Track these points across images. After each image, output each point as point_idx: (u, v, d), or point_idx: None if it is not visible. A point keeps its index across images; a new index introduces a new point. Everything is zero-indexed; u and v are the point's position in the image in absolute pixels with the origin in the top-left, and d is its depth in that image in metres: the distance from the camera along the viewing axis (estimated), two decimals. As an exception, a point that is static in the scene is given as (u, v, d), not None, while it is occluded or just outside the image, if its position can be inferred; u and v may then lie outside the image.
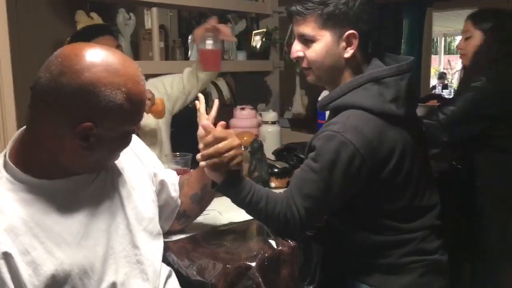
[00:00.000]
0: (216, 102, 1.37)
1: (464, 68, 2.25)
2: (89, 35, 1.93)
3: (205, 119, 1.29)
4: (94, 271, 1.00)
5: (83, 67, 0.91)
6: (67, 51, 0.95)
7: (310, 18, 1.27)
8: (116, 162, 1.11)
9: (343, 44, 1.28)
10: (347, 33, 1.26)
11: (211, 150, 1.20)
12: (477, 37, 2.08)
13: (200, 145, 1.24)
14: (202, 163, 1.23)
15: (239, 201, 1.27)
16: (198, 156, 1.24)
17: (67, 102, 0.91)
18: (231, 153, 1.21)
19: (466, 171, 2.13)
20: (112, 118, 0.95)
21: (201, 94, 1.38)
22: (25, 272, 0.90)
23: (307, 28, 1.28)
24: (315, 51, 1.29)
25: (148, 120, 2.07)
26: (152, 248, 1.14)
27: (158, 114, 1.97)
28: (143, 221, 1.13)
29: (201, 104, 1.33)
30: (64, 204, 0.99)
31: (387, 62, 1.34)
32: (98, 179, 1.07)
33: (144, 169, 1.20)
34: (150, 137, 2.11)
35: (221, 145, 1.21)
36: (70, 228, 0.98)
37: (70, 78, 0.90)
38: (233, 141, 1.22)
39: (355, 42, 1.27)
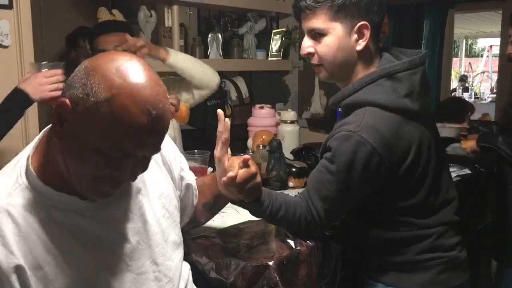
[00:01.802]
0: (226, 121, 1.18)
1: None
2: (90, 35, 1.94)
3: (225, 152, 1.17)
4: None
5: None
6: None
7: (320, 11, 1.24)
8: None
9: (355, 36, 1.25)
10: (358, 24, 1.24)
11: (233, 188, 1.16)
12: None
13: (221, 178, 1.16)
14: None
15: (258, 215, 1.27)
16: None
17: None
18: (252, 193, 1.18)
19: (493, 174, 2.13)
20: (84, 116, 0.82)
21: (220, 113, 1.18)
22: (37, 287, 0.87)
23: (318, 22, 1.25)
24: (327, 45, 1.27)
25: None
26: (172, 262, 1.08)
27: (182, 120, 1.99)
28: (165, 232, 1.08)
29: (224, 132, 1.16)
30: (80, 222, 0.92)
31: (397, 56, 1.31)
32: (118, 196, 0.99)
33: (169, 174, 1.14)
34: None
35: (242, 185, 1.14)
36: (85, 246, 0.92)
37: None
38: (255, 181, 1.16)
39: (367, 34, 1.25)
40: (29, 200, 0.89)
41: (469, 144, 2.19)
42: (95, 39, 1.91)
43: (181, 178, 1.19)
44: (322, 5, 1.23)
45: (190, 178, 1.24)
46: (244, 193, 1.17)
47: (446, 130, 2.07)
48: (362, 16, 1.23)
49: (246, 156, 1.15)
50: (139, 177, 1.00)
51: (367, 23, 1.24)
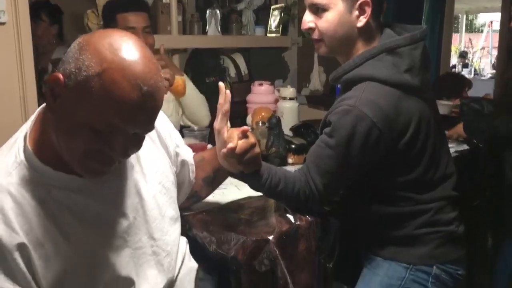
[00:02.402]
0: (226, 92, 1.21)
1: None
2: (121, 7, 1.92)
3: (225, 123, 1.19)
4: (107, 263, 0.96)
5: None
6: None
7: None
8: None
9: (356, 12, 1.25)
10: (360, 0, 1.24)
11: (232, 159, 1.17)
12: None
13: (221, 150, 1.18)
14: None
15: (257, 188, 1.28)
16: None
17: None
18: (250, 164, 1.19)
19: (489, 151, 2.13)
20: (75, 90, 0.82)
21: (222, 85, 1.21)
22: (38, 265, 0.88)
23: None
24: (328, 20, 1.27)
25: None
26: (169, 236, 1.10)
27: (179, 93, 1.98)
28: (162, 208, 1.09)
29: (225, 103, 1.19)
30: (78, 200, 0.94)
31: (398, 32, 1.31)
32: (114, 173, 0.99)
33: (164, 150, 1.16)
34: (167, 107, 2.13)
35: (242, 155, 1.16)
36: (83, 223, 0.94)
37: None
38: (254, 151, 1.18)
39: (368, 10, 1.25)
40: (29, 179, 0.90)
41: (456, 131, 2.18)
42: (117, 15, 1.90)
43: (177, 154, 1.20)
44: None
45: (186, 154, 1.25)
46: (244, 163, 1.18)
47: (438, 107, 2.08)
48: None
49: (245, 127, 1.16)
50: (134, 154, 1.01)
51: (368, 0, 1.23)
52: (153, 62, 0.86)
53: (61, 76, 0.83)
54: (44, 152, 0.91)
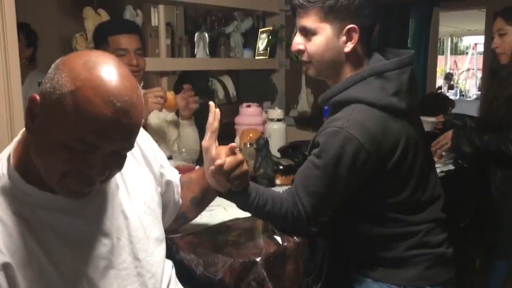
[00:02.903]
0: (216, 111, 1.23)
1: (498, 65, 2.22)
2: (113, 30, 1.94)
3: (213, 141, 1.21)
4: (91, 284, 0.95)
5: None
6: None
7: (311, 11, 1.27)
8: None
9: (344, 38, 1.28)
10: (347, 27, 1.26)
11: (220, 176, 1.18)
12: None
13: (209, 168, 1.19)
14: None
15: (245, 207, 1.28)
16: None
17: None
18: (239, 181, 1.19)
19: (474, 171, 2.15)
20: (51, 109, 0.83)
21: (212, 104, 1.24)
22: (22, 286, 0.87)
23: (308, 21, 1.28)
24: (315, 44, 1.30)
25: (156, 116, 2.10)
26: (154, 257, 1.09)
27: (170, 108, 2.00)
28: (147, 229, 1.08)
29: (214, 121, 1.21)
30: (63, 220, 0.93)
31: (388, 56, 1.34)
32: (99, 193, 0.99)
33: (149, 170, 1.16)
34: (158, 133, 2.13)
35: (230, 172, 1.17)
36: (67, 243, 0.93)
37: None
38: (242, 168, 1.18)
39: (356, 37, 1.27)
40: (13, 199, 0.89)
41: (446, 137, 2.16)
42: (109, 37, 1.92)
43: (161, 174, 1.20)
44: (314, 5, 1.26)
45: (171, 174, 1.25)
46: (232, 180, 1.18)
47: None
48: (352, 19, 1.26)
49: (233, 144, 1.18)
50: (119, 174, 1.01)
51: (356, 26, 1.26)
52: (128, 80, 0.86)
53: (37, 96, 0.84)
54: (29, 172, 0.90)
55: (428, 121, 2.23)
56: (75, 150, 0.84)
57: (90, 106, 0.81)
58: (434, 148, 2.12)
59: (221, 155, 1.16)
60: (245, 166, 1.19)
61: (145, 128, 1.98)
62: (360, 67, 1.31)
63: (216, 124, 1.20)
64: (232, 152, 1.17)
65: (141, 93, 0.90)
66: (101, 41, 1.93)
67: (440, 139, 2.16)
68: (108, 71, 0.84)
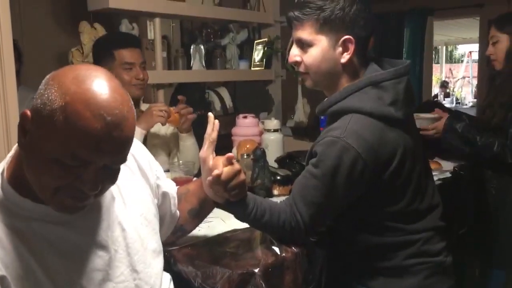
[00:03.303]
0: (215, 122, 1.25)
1: (495, 72, 2.23)
2: (119, 43, 1.96)
3: (211, 152, 1.22)
4: None
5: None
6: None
7: (307, 23, 1.29)
8: None
9: (340, 49, 1.29)
10: (343, 38, 1.28)
11: (218, 186, 1.19)
12: (505, 40, 2.10)
13: (207, 178, 1.20)
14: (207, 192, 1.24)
15: (243, 218, 1.28)
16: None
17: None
18: (236, 191, 1.20)
19: (471, 176, 2.15)
20: (42, 125, 0.83)
21: (211, 115, 1.26)
22: None
23: (304, 33, 1.30)
24: (312, 55, 1.31)
25: (157, 130, 2.11)
26: (152, 269, 1.08)
27: (174, 123, 2.03)
28: (144, 240, 1.08)
29: (212, 132, 1.24)
30: (59, 233, 0.93)
31: (384, 66, 1.35)
32: (95, 205, 0.99)
33: (145, 182, 1.16)
34: (159, 145, 2.14)
35: (227, 182, 1.17)
36: (63, 256, 0.92)
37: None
38: (239, 178, 1.19)
39: (351, 48, 1.28)
40: (7, 212, 0.89)
41: (437, 126, 2.13)
42: (114, 50, 1.93)
43: (158, 186, 1.20)
44: (309, 17, 1.28)
45: (167, 186, 1.25)
46: (229, 190, 1.18)
47: (419, 121, 2.05)
48: (347, 30, 1.27)
49: (230, 154, 1.18)
50: (115, 186, 1.01)
51: (351, 37, 1.27)
52: (119, 93, 0.86)
53: (28, 112, 0.85)
54: (22, 185, 0.90)
55: (424, 118, 2.19)
56: (67, 165, 0.83)
57: (80, 121, 0.80)
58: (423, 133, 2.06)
59: (219, 166, 1.17)
60: (242, 176, 1.19)
61: (146, 139, 1.99)
62: (357, 78, 1.32)
63: (214, 135, 1.22)
64: (229, 162, 1.18)
65: (132, 105, 0.89)
66: (105, 54, 1.94)
67: (430, 126, 2.13)
68: (98, 84, 0.83)
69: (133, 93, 1.95)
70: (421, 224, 1.32)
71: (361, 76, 1.32)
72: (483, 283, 2.21)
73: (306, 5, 1.28)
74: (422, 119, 2.15)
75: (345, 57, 1.29)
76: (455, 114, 2.13)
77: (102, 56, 1.95)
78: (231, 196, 1.21)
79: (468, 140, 2.00)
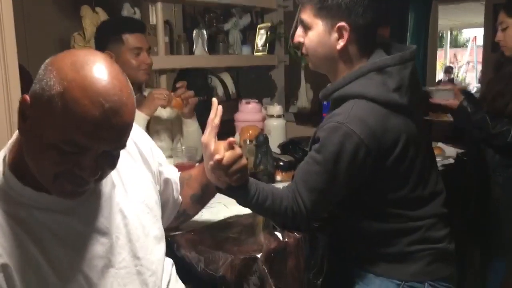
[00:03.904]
0: (218, 107, 1.26)
1: (503, 59, 2.18)
2: (130, 28, 1.96)
3: (213, 137, 1.22)
4: (90, 284, 0.95)
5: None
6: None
7: (307, 5, 1.31)
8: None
9: (335, 35, 1.29)
10: (338, 24, 1.27)
11: (220, 171, 1.19)
12: None
13: (208, 163, 1.20)
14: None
15: (245, 203, 1.28)
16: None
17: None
18: (238, 175, 1.20)
19: (475, 163, 2.13)
20: (40, 110, 0.83)
21: (215, 100, 1.26)
22: (20, 286, 0.86)
23: (305, 15, 1.32)
24: (310, 38, 1.32)
25: (160, 114, 2.11)
26: (154, 256, 1.09)
27: (178, 107, 2.04)
28: (146, 227, 1.08)
29: (215, 117, 1.24)
30: (60, 220, 0.93)
31: (391, 52, 1.34)
32: (96, 192, 1.00)
33: (147, 169, 1.15)
34: (162, 130, 2.14)
35: (229, 166, 1.17)
36: (65, 244, 0.93)
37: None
38: (241, 162, 1.19)
39: (346, 35, 1.28)
40: (9, 200, 0.89)
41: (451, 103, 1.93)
42: (123, 34, 1.93)
43: (160, 172, 1.21)
44: (308, 1, 1.29)
45: (169, 172, 1.25)
46: (231, 175, 1.19)
47: (441, 93, 1.92)
48: (343, 17, 1.26)
49: (231, 139, 1.19)
50: (116, 173, 1.01)
51: (346, 24, 1.26)
52: (118, 79, 0.85)
53: (27, 97, 0.84)
54: (24, 173, 0.90)
55: (447, 90, 1.94)
56: (66, 152, 0.83)
57: (78, 107, 0.80)
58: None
59: (220, 150, 1.17)
60: (244, 161, 1.20)
61: (149, 125, 1.99)
62: (355, 65, 1.31)
63: (217, 120, 1.22)
64: (231, 146, 1.18)
65: (132, 91, 0.89)
66: (113, 38, 1.93)
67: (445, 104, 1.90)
68: (97, 70, 0.83)
69: (141, 77, 1.96)
70: (424, 211, 1.33)
71: (358, 64, 1.31)
72: (483, 272, 2.21)
73: None
74: (443, 91, 1.95)
75: (339, 44, 1.29)
76: (469, 97, 2.03)
77: (109, 40, 1.94)
78: (233, 181, 1.21)
79: (481, 126, 1.88)
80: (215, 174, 1.21)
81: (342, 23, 1.27)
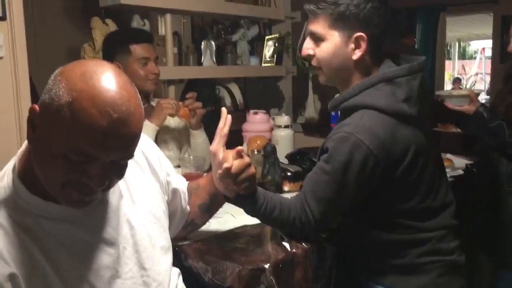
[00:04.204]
0: (228, 117, 1.25)
1: None
2: (136, 38, 1.98)
3: (221, 146, 1.22)
4: None
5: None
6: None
7: (321, 17, 1.29)
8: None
9: (352, 45, 1.29)
10: (355, 35, 1.27)
11: (228, 180, 1.18)
12: None
13: (217, 171, 1.20)
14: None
15: (253, 212, 1.28)
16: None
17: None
18: (247, 183, 1.19)
19: (486, 175, 2.11)
20: (49, 120, 0.83)
21: (224, 110, 1.26)
22: None
23: (318, 27, 1.30)
24: (324, 50, 1.31)
25: (167, 122, 2.12)
26: (160, 266, 1.08)
27: (185, 117, 2.05)
28: (153, 237, 1.08)
29: (224, 126, 1.24)
30: (68, 230, 0.93)
31: (400, 62, 1.34)
32: (103, 202, 1.00)
33: (155, 179, 1.15)
34: (170, 140, 2.15)
35: (237, 175, 1.17)
36: (72, 253, 0.93)
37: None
38: (249, 170, 1.19)
39: (363, 45, 1.28)
40: (18, 210, 0.90)
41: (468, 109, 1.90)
42: (130, 45, 1.95)
43: (168, 182, 1.20)
44: (323, 11, 1.28)
45: (177, 182, 1.25)
46: (239, 183, 1.18)
47: (454, 100, 1.86)
48: (361, 27, 1.26)
49: (240, 147, 1.19)
50: (124, 183, 1.02)
51: (364, 34, 1.27)
52: (126, 89, 0.86)
53: (37, 107, 0.85)
54: (33, 182, 0.91)
55: (462, 97, 1.91)
56: (74, 161, 0.83)
57: (86, 117, 0.81)
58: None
59: (229, 159, 1.17)
60: (252, 169, 1.19)
61: (156, 135, 2.00)
62: (368, 75, 1.31)
63: (226, 129, 1.22)
64: (239, 155, 1.18)
65: (140, 101, 0.89)
66: (120, 49, 1.95)
67: (462, 109, 1.88)
68: (105, 81, 0.83)
69: (148, 87, 1.97)
70: (434, 222, 1.32)
71: (374, 73, 1.31)
72: (493, 284, 2.18)
73: None
74: (456, 98, 1.92)
75: (356, 54, 1.29)
76: (485, 105, 1.95)
77: (116, 51, 1.96)
78: (241, 190, 1.20)
79: (496, 133, 1.85)
80: (223, 183, 1.21)
81: (361, 34, 1.27)
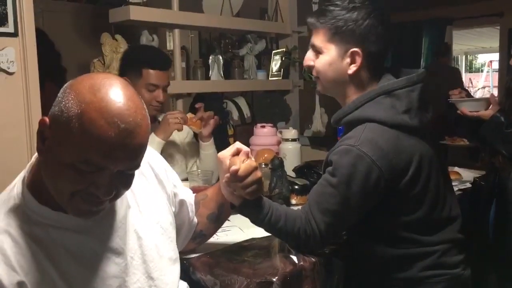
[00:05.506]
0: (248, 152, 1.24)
1: None
2: (151, 63, 1.94)
3: (230, 154, 1.22)
4: None
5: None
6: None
7: (320, 30, 1.33)
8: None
9: (347, 60, 1.32)
10: (351, 50, 1.30)
11: (235, 183, 1.19)
12: None
13: (224, 176, 1.20)
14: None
15: (258, 221, 1.28)
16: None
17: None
18: (254, 187, 1.20)
19: (493, 188, 2.10)
20: (59, 131, 0.86)
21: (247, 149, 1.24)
22: None
23: (318, 39, 1.34)
24: (321, 62, 1.35)
25: (172, 137, 2.12)
26: (168, 277, 1.10)
27: (197, 127, 2.06)
28: (160, 248, 1.10)
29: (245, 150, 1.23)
30: (76, 240, 0.95)
31: (400, 76, 1.36)
32: (111, 213, 1.01)
33: (162, 191, 1.17)
34: (175, 154, 2.16)
35: (244, 178, 1.18)
36: (81, 263, 0.95)
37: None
38: (257, 174, 1.19)
39: (359, 60, 1.31)
40: (27, 220, 0.92)
41: (484, 114, 1.89)
42: (143, 69, 1.93)
43: (175, 194, 1.22)
44: (322, 25, 1.32)
45: (184, 194, 1.26)
46: (246, 187, 1.18)
47: (471, 104, 1.81)
48: (357, 43, 1.29)
49: (247, 149, 1.20)
50: (131, 194, 1.04)
51: (359, 50, 1.29)
52: (133, 101, 0.88)
53: (47, 119, 0.88)
54: (42, 193, 0.93)
55: (477, 101, 1.88)
56: (82, 171, 0.86)
57: (94, 128, 0.83)
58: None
59: (236, 163, 1.18)
60: (259, 173, 1.20)
61: (162, 149, 2.01)
62: (364, 90, 1.34)
63: (247, 149, 1.22)
64: (247, 155, 1.20)
65: (146, 113, 0.91)
66: (132, 70, 1.94)
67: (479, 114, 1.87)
68: (113, 93, 0.86)
69: (149, 112, 1.95)
70: (438, 236, 1.32)
71: (373, 87, 1.33)
72: None
73: (324, 13, 1.32)
74: (470, 103, 1.91)
75: (351, 69, 1.32)
76: (504, 110, 1.91)
77: (129, 70, 1.95)
78: (248, 194, 1.20)
79: (510, 142, 1.84)
80: (230, 187, 1.22)
81: (356, 49, 1.29)
